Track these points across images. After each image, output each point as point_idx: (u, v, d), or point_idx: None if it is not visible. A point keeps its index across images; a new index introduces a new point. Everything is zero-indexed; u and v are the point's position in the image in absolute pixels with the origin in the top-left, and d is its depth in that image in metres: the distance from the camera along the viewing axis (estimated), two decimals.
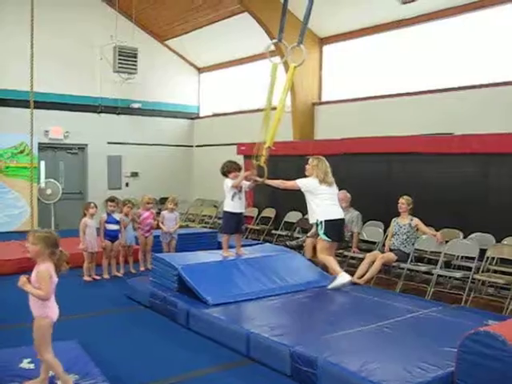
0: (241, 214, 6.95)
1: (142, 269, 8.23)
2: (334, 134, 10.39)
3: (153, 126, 14.69)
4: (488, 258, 7.04)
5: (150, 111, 14.63)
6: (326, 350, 4.20)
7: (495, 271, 7.02)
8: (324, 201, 6.78)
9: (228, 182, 6.85)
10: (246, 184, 6.95)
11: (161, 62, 14.76)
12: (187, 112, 15.43)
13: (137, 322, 5.92)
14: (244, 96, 13.94)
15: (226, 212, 6.96)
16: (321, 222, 6.71)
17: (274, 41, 7.35)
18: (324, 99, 11.83)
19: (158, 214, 8.82)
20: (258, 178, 6.92)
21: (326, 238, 6.73)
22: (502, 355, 3.43)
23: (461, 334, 3.78)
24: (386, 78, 10.52)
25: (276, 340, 4.51)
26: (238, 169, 6.95)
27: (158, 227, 8.49)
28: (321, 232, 6.75)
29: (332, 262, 6.75)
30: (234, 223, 6.87)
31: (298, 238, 9.59)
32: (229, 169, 6.89)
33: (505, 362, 3.42)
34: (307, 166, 7.05)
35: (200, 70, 15.56)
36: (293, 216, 10.51)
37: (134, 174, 14.44)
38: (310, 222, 7.07)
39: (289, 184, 7.11)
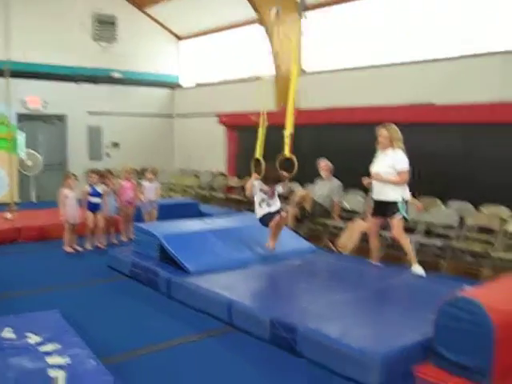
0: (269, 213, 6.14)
1: (123, 239, 8.22)
2: (316, 103, 10.35)
3: (133, 96, 14.51)
4: (467, 225, 7.13)
5: (130, 80, 14.43)
6: (306, 317, 4.25)
7: (474, 239, 7.12)
8: None
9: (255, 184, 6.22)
10: (279, 189, 6.25)
11: (141, 30, 14.51)
12: (168, 81, 15.25)
13: (119, 291, 5.94)
14: (225, 65, 13.81)
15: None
16: (405, 201, 6.24)
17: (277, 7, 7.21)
18: (306, 69, 11.74)
19: (139, 184, 8.78)
20: (285, 176, 6.19)
21: (406, 217, 6.30)
22: (479, 319, 3.49)
23: (439, 299, 3.84)
24: (368, 48, 10.45)
25: (256, 307, 4.56)
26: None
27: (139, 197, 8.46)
28: (403, 211, 6.19)
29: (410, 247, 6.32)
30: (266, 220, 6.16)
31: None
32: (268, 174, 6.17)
33: (481, 325, 3.48)
34: (384, 140, 6.33)
35: (180, 39, 15.34)
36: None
37: (115, 145, 14.30)
38: (389, 200, 6.23)
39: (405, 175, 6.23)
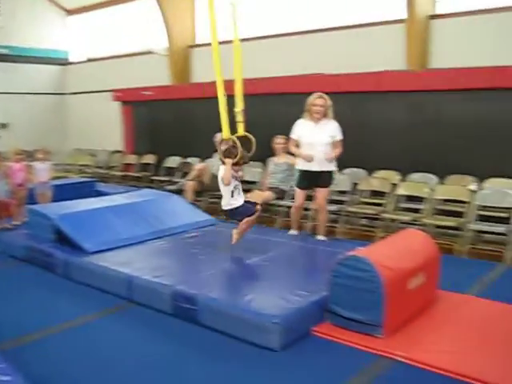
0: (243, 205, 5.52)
1: (17, 223, 7.86)
2: (210, 76, 10.27)
3: (21, 73, 13.74)
4: (360, 190, 7.42)
5: (17, 57, 13.62)
6: (206, 287, 4.29)
7: (367, 203, 7.43)
8: None
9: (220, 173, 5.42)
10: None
11: (25, 3, 13.74)
12: (57, 57, 14.58)
13: (13, 276, 5.69)
14: (118, 39, 13.42)
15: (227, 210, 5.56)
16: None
17: None
18: (199, 41, 11.63)
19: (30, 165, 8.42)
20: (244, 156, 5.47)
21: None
22: (369, 276, 3.68)
23: (334, 261, 3.99)
24: (259, 20, 10.49)
25: (156, 281, 4.53)
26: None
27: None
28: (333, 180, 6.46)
29: None
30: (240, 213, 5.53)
31: (178, 182, 9.54)
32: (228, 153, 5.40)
33: (372, 281, 3.67)
34: (322, 108, 6.15)
35: (69, 13, 14.69)
36: (173, 161, 10.44)
37: (3, 126, 13.55)
38: (329, 169, 6.27)
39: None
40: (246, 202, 5.54)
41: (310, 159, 6.11)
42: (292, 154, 6.83)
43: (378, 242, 4.67)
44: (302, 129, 6.29)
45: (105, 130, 13.10)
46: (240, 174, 5.50)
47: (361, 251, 3.92)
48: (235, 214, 5.53)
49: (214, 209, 8.38)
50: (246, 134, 5.69)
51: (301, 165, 6.34)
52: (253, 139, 5.61)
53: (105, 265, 5.10)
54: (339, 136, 6.22)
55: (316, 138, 6.17)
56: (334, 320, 3.90)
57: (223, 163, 5.39)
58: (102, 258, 5.29)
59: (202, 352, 3.81)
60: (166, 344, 3.94)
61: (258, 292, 4.16)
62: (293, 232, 6.55)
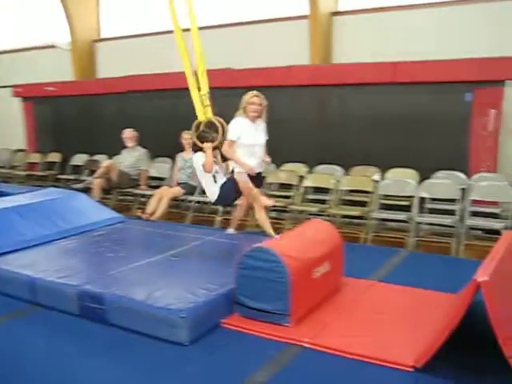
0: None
1: None
2: (116, 71, 10.10)
3: None
4: (269, 184, 7.53)
5: None
6: (113, 285, 4.21)
7: (275, 196, 7.54)
8: None
9: (199, 161, 5.35)
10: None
11: None
12: None
13: None
14: (18, 33, 12.87)
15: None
16: None
17: None
18: (104, 36, 11.38)
19: None
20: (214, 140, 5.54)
21: None
22: (275, 266, 3.75)
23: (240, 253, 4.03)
24: (166, 14, 10.37)
25: (61, 282, 4.40)
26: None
27: None
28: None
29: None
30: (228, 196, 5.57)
31: (85, 180, 9.31)
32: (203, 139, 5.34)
33: (277, 272, 3.74)
34: (260, 107, 5.71)
35: None
36: (79, 159, 10.17)
37: None
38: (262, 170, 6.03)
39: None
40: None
41: (252, 172, 5.68)
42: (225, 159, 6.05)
43: (283, 234, 4.75)
44: (243, 129, 5.65)
45: (6, 128, 12.55)
46: (219, 158, 5.41)
47: (266, 242, 3.98)
48: (223, 200, 5.46)
49: (124, 206, 8.27)
50: (217, 118, 5.69)
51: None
52: (224, 123, 5.59)
53: (6, 268, 4.89)
54: (267, 136, 5.92)
55: (257, 139, 5.73)
56: (242, 311, 3.95)
57: (197, 150, 5.20)
58: (4, 261, 5.05)
59: (111, 351, 3.74)
60: (72, 345, 3.83)
61: (166, 288, 4.13)
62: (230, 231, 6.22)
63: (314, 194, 7.42)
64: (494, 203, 6.69)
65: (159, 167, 8.69)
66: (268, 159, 5.95)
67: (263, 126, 5.82)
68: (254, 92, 5.78)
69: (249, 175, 5.65)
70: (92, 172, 9.21)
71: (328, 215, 6.89)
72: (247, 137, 5.62)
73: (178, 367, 3.45)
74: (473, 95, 6.95)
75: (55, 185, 10.01)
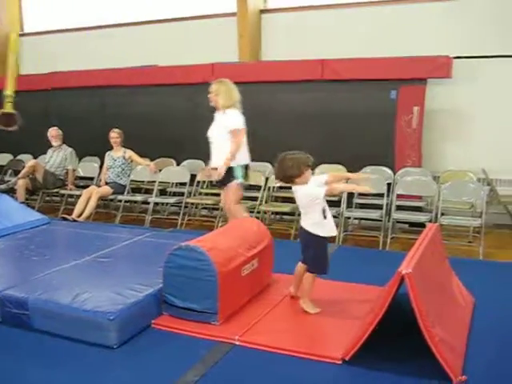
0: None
1: None
2: (41, 68, 9.78)
3: None
4: (199, 181, 7.50)
5: None
6: (38, 289, 4.06)
7: (206, 193, 7.52)
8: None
9: (312, 190, 3.96)
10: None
11: None
12: None
13: None
14: None
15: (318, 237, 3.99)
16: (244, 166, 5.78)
17: None
18: (28, 31, 10.99)
19: None
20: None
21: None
22: (202, 264, 3.72)
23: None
24: (93, 8, 10.15)
25: None
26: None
27: None
28: (239, 177, 5.70)
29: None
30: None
31: (8, 181, 8.97)
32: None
33: (205, 270, 3.72)
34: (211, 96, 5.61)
35: None
36: (2, 159, 9.78)
37: None
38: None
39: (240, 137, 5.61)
40: None
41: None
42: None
43: (212, 232, 4.73)
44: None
45: None
46: None
47: (194, 240, 3.95)
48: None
49: (48, 207, 8.04)
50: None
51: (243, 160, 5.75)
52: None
53: None
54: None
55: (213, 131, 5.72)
56: (171, 311, 3.90)
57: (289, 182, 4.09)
58: None
59: (36, 358, 3.60)
60: None
61: (93, 290, 4.03)
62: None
63: (245, 191, 7.42)
64: (419, 197, 6.91)
65: (87, 166, 8.49)
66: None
67: (225, 117, 5.63)
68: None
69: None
70: (16, 172, 8.88)
71: (259, 212, 6.92)
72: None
73: (107, 371, 3.37)
74: (397, 93, 7.14)
75: None
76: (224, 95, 5.60)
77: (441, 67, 6.84)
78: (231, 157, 5.57)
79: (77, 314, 3.69)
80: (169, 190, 7.84)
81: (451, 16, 7.47)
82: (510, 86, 7.28)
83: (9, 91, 5.89)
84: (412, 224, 6.81)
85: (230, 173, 5.62)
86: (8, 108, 5.77)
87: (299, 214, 6.34)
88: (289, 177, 3.99)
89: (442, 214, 6.32)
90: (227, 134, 5.57)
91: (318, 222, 3.94)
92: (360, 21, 7.99)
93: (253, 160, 7.68)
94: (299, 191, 3.99)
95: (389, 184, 6.80)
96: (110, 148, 7.72)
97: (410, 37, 7.50)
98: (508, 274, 5.17)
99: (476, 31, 7.31)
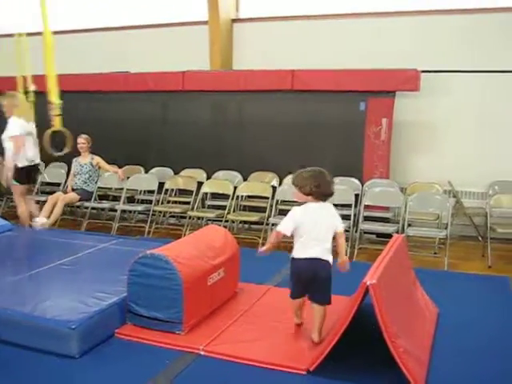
0: None
1: None
2: (11, 71, 9.60)
3: None
4: (167, 190, 7.44)
5: None
6: None
7: (174, 202, 7.47)
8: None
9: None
10: None
11: None
12: None
13: None
14: None
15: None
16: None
17: None
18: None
19: None
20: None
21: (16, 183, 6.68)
22: (167, 273, 3.68)
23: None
24: (64, 14, 9.99)
25: None
26: None
27: None
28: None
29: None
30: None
31: None
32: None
33: (170, 279, 3.68)
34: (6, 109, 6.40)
35: None
36: None
37: None
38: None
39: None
40: None
41: None
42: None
43: (178, 240, 4.68)
44: None
45: None
46: None
47: (159, 249, 3.90)
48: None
49: (12, 214, 7.87)
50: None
51: None
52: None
53: None
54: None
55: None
56: (135, 320, 3.85)
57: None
58: None
59: None
60: None
61: (56, 298, 3.95)
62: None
63: (213, 200, 7.41)
64: (386, 208, 6.96)
65: (53, 172, 8.36)
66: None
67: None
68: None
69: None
70: None
71: (227, 221, 6.89)
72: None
73: (68, 382, 3.30)
74: (366, 104, 7.20)
75: None
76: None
77: (409, 80, 6.91)
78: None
79: (38, 323, 3.60)
80: (137, 197, 7.77)
81: (420, 30, 7.59)
82: (476, 100, 7.42)
83: (56, 99, 5.53)
84: (379, 235, 6.85)
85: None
86: (58, 124, 5.57)
87: (267, 224, 6.39)
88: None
89: (409, 225, 6.37)
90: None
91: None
92: (330, 33, 8.06)
93: (222, 169, 7.70)
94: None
95: (356, 195, 6.83)
96: (78, 154, 7.60)
97: (380, 49, 7.58)
98: (472, 284, 5.25)
99: (444, 46, 7.44)
